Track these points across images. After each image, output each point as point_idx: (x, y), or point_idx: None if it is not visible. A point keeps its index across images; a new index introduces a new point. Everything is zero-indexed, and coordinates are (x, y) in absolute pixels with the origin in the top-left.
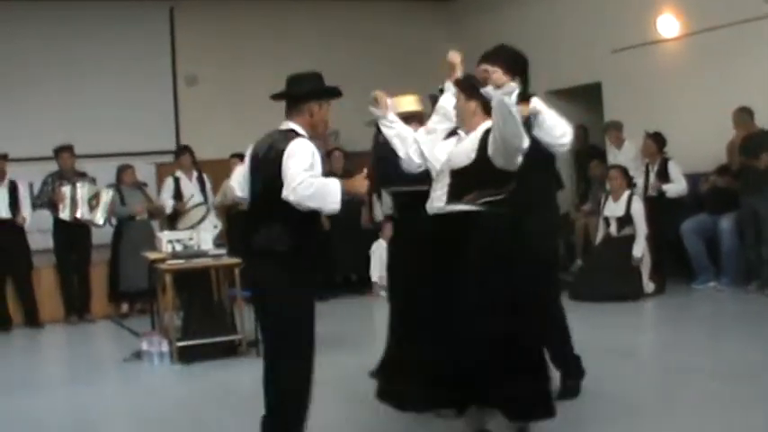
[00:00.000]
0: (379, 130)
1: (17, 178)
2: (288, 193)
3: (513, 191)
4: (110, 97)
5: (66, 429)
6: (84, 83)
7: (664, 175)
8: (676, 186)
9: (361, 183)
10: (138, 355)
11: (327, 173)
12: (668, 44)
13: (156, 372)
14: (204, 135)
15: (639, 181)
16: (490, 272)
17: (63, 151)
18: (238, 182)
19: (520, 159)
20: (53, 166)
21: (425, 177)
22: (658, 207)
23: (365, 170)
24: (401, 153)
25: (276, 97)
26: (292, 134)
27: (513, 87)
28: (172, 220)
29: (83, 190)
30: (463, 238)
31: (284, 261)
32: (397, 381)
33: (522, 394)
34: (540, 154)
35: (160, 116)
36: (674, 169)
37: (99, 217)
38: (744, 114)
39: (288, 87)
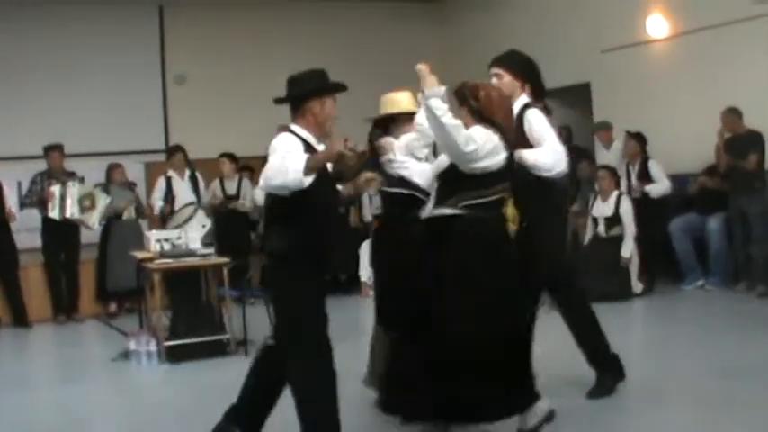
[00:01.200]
0: (375, 129)
1: (3, 177)
2: (260, 182)
3: (508, 193)
4: (99, 96)
5: (53, 429)
6: (74, 82)
7: (645, 176)
8: (659, 187)
9: (335, 144)
10: (126, 354)
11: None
12: (657, 45)
13: (144, 371)
14: (193, 134)
15: (623, 182)
16: (464, 276)
17: (53, 150)
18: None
19: (479, 165)
20: (42, 166)
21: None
22: (644, 208)
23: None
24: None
25: (279, 102)
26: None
27: (440, 91)
28: (163, 222)
29: (72, 189)
30: (444, 242)
31: (285, 262)
32: (401, 390)
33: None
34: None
35: (149, 115)
36: (655, 169)
37: (94, 221)
38: (732, 115)
39: (288, 90)
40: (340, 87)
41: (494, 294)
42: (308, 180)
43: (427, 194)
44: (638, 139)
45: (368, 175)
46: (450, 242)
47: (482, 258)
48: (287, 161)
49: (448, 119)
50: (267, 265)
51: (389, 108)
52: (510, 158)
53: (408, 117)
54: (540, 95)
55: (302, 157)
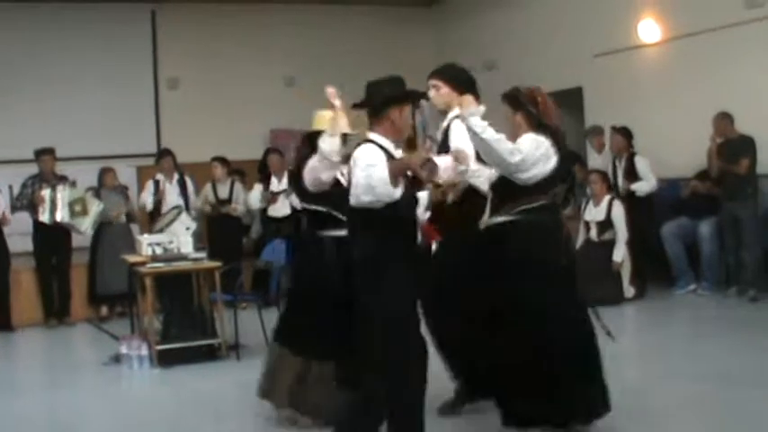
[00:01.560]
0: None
1: None
2: (351, 200)
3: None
4: (91, 100)
5: None
6: (66, 86)
7: (632, 173)
8: (646, 185)
9: (415, 157)
10: (118, 358)
11: None
12: (649, 49)
13: (136, 375)
14: (185, 138)
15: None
16: (523, 279)
17: (44, 154)
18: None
19: (530, 174)
20: (33, 169)
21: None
22: (634, 211)
23: (428, 143)
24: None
25: (357, 106)
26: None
27: (478, 110)
28: (151, 220)
29: (63, 193)
30: (501, 248)
31: (377, 269)
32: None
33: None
34: None
35: (141, 119)
36: (641, 165)
37: (87, 227)
38: (724, 119)
39: (366, 95)
40: (420, 95)
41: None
42: (399, 192)
43: (344, 212)
44: (624, 133)
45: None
46: (507, 244)
47: (543, 258)
48: (373, 178)
49: (489, 134)
50: (356, 273)
51: (316, 125)
52: (563, 162)
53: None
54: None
55: (380, 171)
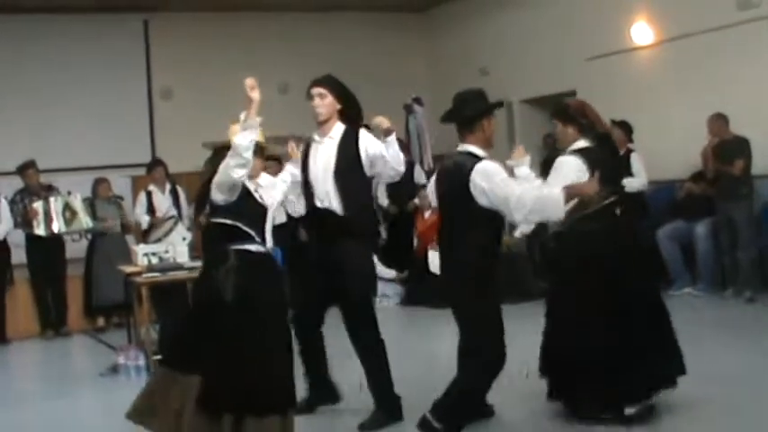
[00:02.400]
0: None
1: None
2: (512, 215)
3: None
4: (85, 110)
5: None
6: (60, 96)
7: (626, 169)
8: (636, 181)
9: (589, 187)
10: (115, 369)
11: None
12: (642, 52)
13: (134, 386)
14: (179, 148)
15: None
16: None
17: (27, 168)
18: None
19: None
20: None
21: None
22: (628, 210)
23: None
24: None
25: (447, 119)
26: (472, 157)
27: (526, 160)
28: (146, 235)
29: (56, 203)
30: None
31: (480, 274)
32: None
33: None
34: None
35: (135, 129)
36: (636, 163)
37: (86, 220)
38: (719, 120)
39: (458, 109)
40: (502, 104)
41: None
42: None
43: (253, 226)
44: (624, 127)
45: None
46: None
47: (602, 263)
48: (548, 200)
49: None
50: (455, 277)
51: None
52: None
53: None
54: (357, 119)
55: (556, 198)
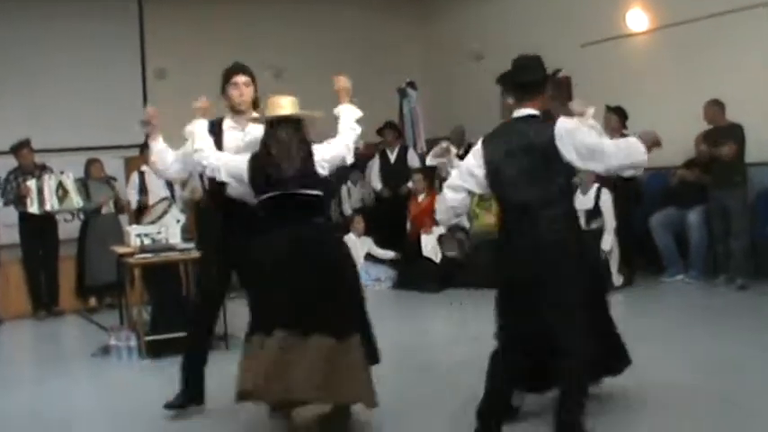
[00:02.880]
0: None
1: None
2: (608, 162)
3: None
4: (78, 90)
5: (33, 425)
6: (53, 77)
7: None
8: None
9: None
10: (106, 349)
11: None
12: (637, 38)
13: (125, 366)
14: (173, 129)
15: None
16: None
17: (22, 147)
18: None
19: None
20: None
21: None
22: (621, 197)
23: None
24: None
25: (510, 83)
26: (541, 119)
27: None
28: (138, 216)
29: (49, 182)
30: None
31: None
32: None
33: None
34: None
35: (129, 110)
36: None
37: (77, 200)
38: (715, 106)
39: (522, 73)
40: (559, 72)
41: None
42: None
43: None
44: (618, 112)
45: None
46: None
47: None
48: (632, 149)
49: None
50: (551, 252)
51: (270, 111)
52: None
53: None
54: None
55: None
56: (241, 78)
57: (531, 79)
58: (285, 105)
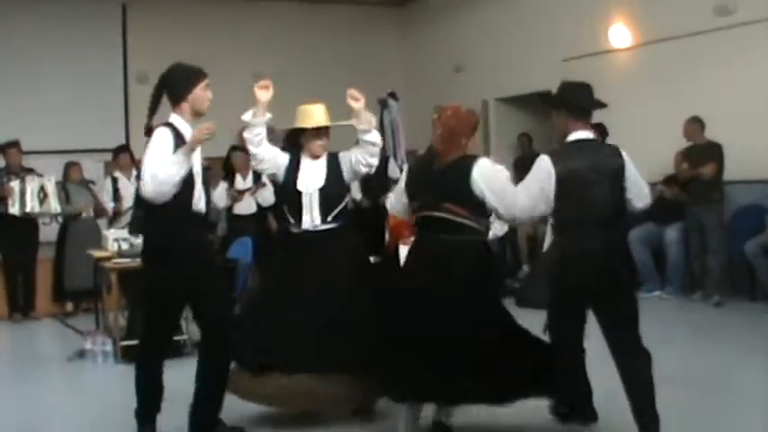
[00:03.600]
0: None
1: None
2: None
3: None
4: (59, 93)
5: (7, 429)
6: (34, 79)
7: None
8: None
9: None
10: (82, 353)
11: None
12: (620, 54)
13: (100, 371)
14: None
15: None
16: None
17: (10, 147)
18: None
19: None
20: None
21: None
22: None
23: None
24: None
25: (567, 106)
26: (611, 146)
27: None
28: (112, 222)
29: (32, 184)
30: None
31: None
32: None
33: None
34: None
35: (110, 114)
36: None
37: (55, 206)
38: (694, 124)
39: (579, 98)
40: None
41: None
42: None
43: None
44: (599, 129)
45: None
46: None
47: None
48: None
49: None
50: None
51: (301, 121)
52: None
53: (317, 131)
54: None
55: None
56: (207, 81)
57: (589, 105)
58: (320, 115)
